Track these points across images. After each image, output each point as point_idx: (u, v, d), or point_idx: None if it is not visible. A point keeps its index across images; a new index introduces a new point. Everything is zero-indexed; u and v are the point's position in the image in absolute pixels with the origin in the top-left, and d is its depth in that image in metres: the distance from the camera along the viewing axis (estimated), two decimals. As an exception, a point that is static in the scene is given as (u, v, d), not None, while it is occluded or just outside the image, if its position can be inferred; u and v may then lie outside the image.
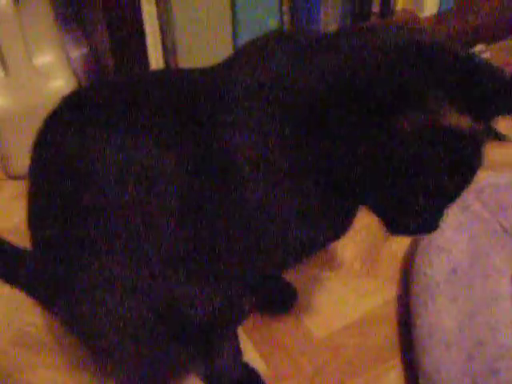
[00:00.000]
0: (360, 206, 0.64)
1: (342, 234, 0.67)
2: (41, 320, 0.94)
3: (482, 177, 0.92)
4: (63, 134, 0.64)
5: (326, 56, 0.56)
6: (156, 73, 0.74)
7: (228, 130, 0.57)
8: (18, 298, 0.95)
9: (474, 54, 0.57)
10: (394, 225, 0.63)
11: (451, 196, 0.60)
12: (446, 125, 0.52)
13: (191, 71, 0.66)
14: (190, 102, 0.60)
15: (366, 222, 1.04)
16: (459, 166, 0.56)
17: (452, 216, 0.87)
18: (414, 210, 0.59)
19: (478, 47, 1.45)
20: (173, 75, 0.68)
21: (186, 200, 0.58)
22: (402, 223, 0.62)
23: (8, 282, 0.97)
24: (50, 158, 0.65)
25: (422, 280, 0.86)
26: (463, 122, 0.52)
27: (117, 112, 0.61)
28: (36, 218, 0.70)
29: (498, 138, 0.68)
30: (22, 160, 1.13)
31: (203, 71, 0.64)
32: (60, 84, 1.10)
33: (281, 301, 0.93)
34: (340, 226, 0.66)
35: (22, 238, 1.00)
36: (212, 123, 0.58)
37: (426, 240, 0.91)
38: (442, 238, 0.88)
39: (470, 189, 0.90)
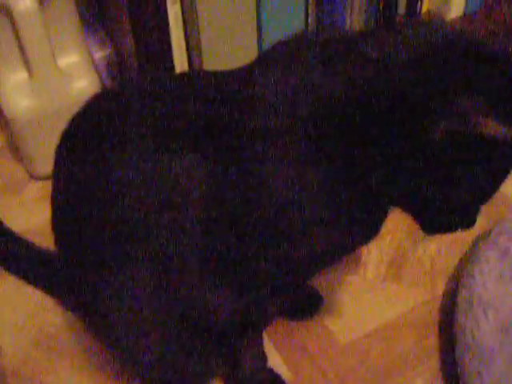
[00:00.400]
0: (391, 207, 0.63)
1: (372, 239, 0.66)
2: (61, 321, 0.94)
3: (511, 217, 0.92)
4: (88, 139, 0.63)
5: (355, 62, 0.55)
6: (182, 76, 0.73)
7: (256, 139, 0.56)
8: (39, 300, 0.96)
9: None
10: (428, 223, 0.62)
11: (485, 193, 0.59)
12: (482, 134, 0.50)
13: (217, 75, 0.65)
14: (217, 110, 0.59)
15: (390, 227, 1.04)
16: (492, 168, 0.55)
17: (491, 264, 0.86)
18: (448, 207, 0.58)
19: (506, 49, 1.43)
20: (198, 80, 0.67)
21: (213, 208, 0.58)
22: (437, 221, 0.61)
23: (30, 283, 0.97)
24: (74, 163, 0.64)
25: (470, 344, 0.81)
26: (501, 130, 0.50)
27: (143, 120, 0.60)
28: (61, 223, 0.70)
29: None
30: (45, 161, 1.14)
31: (230, 75, 0.63)
32: (84, 85, 1.10)
33: (306, 306, 0.92)
34: (370, 230, 0.65)
35: (45, 239, 1.00)
36: (240, 133, 0.57)
37: (466, 292, 0.86)
38: (485, 292, 0.83)
39: (503, 229, 0.89)
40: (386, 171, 0.55)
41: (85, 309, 0.70)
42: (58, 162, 0.69)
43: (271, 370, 0.83)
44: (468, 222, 0.62)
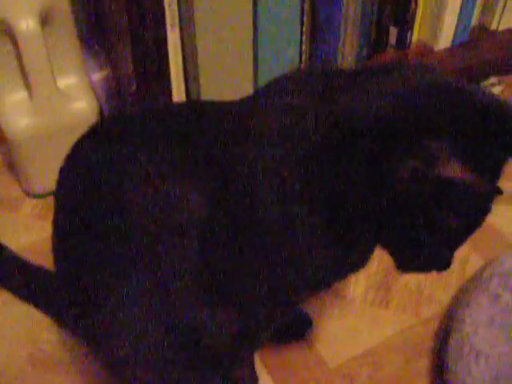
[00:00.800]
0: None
1: (361, 268, 0.69)
2: (56, 338, 0.95)
3: (503, 257, 0.95)
4: (90, 161, 0.65)
5: (338, 100, 0.58)
6: (181, 105, 0.75)
7: (249, 162, 0.59)
8: (35, 316, 0.97)
9: (491, 96, 0.57)
10: (402, 263, 0.64)
11: (457, 239, 0.61)
12: (444, 176, 0.52)
13: (216, 107, 0.68)
14: (214, 135, 0.62)
15: (378, 253, 1.07)
16: (464, 215, 0.57)
17: (482, 309, 0.87)
18: (420, 248, 0.60)
19: (491, 80, 1.48)
20: (196, 108, 0.70)
21: (207, 229, 0.60)
22: (410, 262, 0.63)
23: (25, 300, 0.99)
24: (77, 183, 0.66)
25: None
26: (465, 174, 0.52)
27: (144, 142, 0.63)
28: (61, 241, 0.72)
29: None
30: (42, 179, 1.16)
31: (229, 108, 0.66)
32: (82, 106, 1.12)
33: (296, 329, 0.94)
34: (357, 261, 0.67)
35: (39, 257, 1.02)
36: (234, 156, 0.60)
37: (458, 337, 0.87)
38: (476, 338, 0.85)
39: (495, 272, 0.92)
40: (357, 208, 0.57)
41: (82, 325, 0.71)
42: (60, 185, 0.71)
43: (262, 391, 0.85)
44: (442, 265, 0.64)
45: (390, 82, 0.57)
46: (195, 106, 0.73)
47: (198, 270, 0.62)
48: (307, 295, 0.73)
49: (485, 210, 0.59)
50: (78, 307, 0.70)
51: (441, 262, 0.64)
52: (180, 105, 0.79)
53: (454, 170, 0.52)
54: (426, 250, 0.60)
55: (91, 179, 0.64)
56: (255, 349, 0.78)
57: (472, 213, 0.58)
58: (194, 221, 0.60)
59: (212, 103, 0.69)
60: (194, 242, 0.60)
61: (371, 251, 0.67)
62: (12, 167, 1.23)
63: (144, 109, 0.73)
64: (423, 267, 0.64)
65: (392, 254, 0.64)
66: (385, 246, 0.64)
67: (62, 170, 0.71)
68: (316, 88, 0.61)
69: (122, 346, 0.68)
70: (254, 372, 0.83)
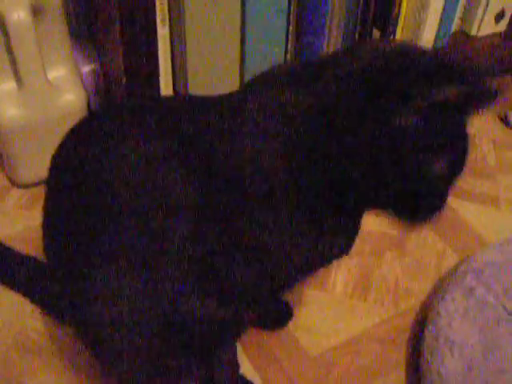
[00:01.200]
0: (364, 212, 0.69)
1: (346, 251, 0.71)
2: (42, 325, 0.96)
3: (477, 254, 0.99)
4: (82, 148, 0.67)
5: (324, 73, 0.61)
6: (170, 98, 0.78)
7: (238, 144, 0.62)
8: (20, 303, 0.98)
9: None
10: (402, 213, 0.66)
11: (449, 178, 0.65)
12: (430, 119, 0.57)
13: (206, 100, 0.70)
14: (204, 124, 0.64)
15: (358, 249, 1.10)
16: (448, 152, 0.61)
17: (456, 302, 0.91)
18: (418, 196, 0.63)
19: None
20: (185, 101, 0.72)
21: (200, 219, 0.62)
22: (412, 212, 0.65)
23: (11, 288, 1.00)
24: (68, 169, 0.68)
25: (435, 381, 0.86)
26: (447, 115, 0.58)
27: (134, 131, 0.65)
28: (50, 228, 0.73)
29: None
30: (28, 169, 1.17)
31: (216, 99, 0.69)
32: (71, 98, 1.13)
33: (277, 318, 0.97)
34: (344, 239, 0.70)
35: (25, 246, 1.03)
36: (223, 142, 0.62)
37: (432, 328, 0.91)
38: (451, 330, 0.88)
39: (469, 268, 0.96)
40: (351, 165, 0.60)
41: (71, 310, 0.72)
42: (52, 172, 0.73)
43: (243, 377, 0.87)
44: (435, 208, 0.66)
45: (364, 49, 0.62)
46: (184, 99, 0.75)
47: (188, 256, 0.64)
48: (296, 280, 0.75)
49: (466, 150, 0.63)
50: (67, 293, 0.72)
51: (437, 204, 0.66)
52: (170, 98, 0.81)
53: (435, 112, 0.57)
54: (423, 197, 0.63)
55: (82, 166, 0.66)
56: (239, 333, 0.80)
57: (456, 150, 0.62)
58: (183, 207, 0.62)
59: (198, 97, 0.72)
60: (185, 227, 0.62)
61: (356, 232, 0.70)
62: (-2, 157, 1.24)
63: (135, 101, 0.75)
64: (422, 213, 0.65)
65: (395, 211, 0.66)
66: (380, 205, 0.66)
67: (54, 157, 0.73)
68: (300, 74, 0.64)
69: (111, 334, 0.69)
70: (236, 358, 0.86)
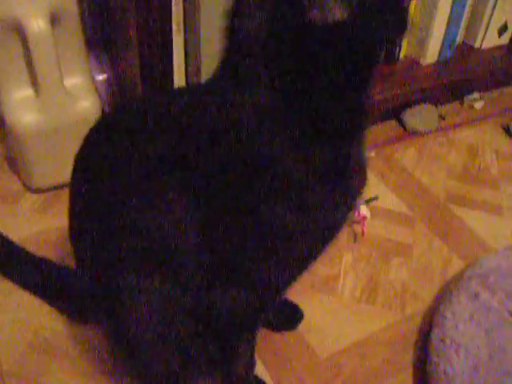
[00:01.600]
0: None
1: (353, 204, 0.71)
2: (56, 325, 0.98)
3: (482, 260, 1.02)
4: (103, 148, 0.69)
5: None
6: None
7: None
8: (36, 304, 1.01)
9: None
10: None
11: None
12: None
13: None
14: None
15: (365, 253, 1.13)
16: None
17: (462, 306, 0.94)
18: None
19: (474, 95, 1.55)
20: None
21: (206, 217, 0.64)
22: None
23: (28, 289, 1.02)
24: (91, 171, 0.70)
25: (443, 381, 0.88)
26: None
27: (148, 127, 0.67)
28: (77, 228, 0.74)
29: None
30: (43, 174, 1.20)
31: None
32: (86, 105, 1.16)
33: (289, 321, 1.00)
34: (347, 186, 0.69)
35: (39, 249, 1.06)
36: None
37: (439, 331, 0.94)
38: (457, 332, 0.91)
39: (474, 273, 0.99)
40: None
41: (98, 310, 0.75)
42: (75, 175, 0.74)
43: (257, 377, 0.90)
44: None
45: None
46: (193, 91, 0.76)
47: (202, 253, 0.66)
48: (311, 259, 0.75)
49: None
50: (97, 295, 0.73)
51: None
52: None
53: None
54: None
55: (103, 167, 0.68)
56: (257, 329, 0.82)
57: None
58: (194, 206, 0.64)
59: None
60: (196, 228, 0.64)
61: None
62: (12, 162, 1.27)
63: (151, 98, 0.76)
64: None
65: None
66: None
67: (76, 160, 0.74)
68: None
69: (140, 332, 0.72)
70: (254, 357, 0.88)
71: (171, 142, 0.65)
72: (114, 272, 0.69)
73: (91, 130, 0.73)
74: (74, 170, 0.74)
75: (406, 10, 0.64)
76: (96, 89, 1.21)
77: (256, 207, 0.64)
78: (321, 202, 0.66)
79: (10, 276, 1.04)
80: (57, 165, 1.19)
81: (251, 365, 0.87)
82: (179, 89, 0.82)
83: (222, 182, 0.64)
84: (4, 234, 1.07)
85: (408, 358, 0.97)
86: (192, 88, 0.76)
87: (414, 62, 1.47)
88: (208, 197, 0.64)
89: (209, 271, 0.67)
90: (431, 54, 1.45)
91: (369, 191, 0.77)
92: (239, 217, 0.65)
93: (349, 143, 0.66)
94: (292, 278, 0.74)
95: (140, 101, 0.78)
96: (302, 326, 1.00)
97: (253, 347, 0.84)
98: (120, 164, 0.67)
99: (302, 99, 0.61)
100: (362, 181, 0.71)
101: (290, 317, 1.01)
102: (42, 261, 1.03)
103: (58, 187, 1.23)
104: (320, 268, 1.08)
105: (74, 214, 0.74)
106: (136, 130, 0.68)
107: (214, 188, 0.64)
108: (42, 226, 1.16)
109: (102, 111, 1.20)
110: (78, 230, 0.73)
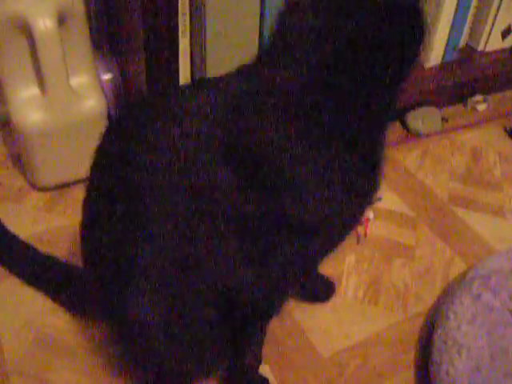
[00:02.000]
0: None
1: (374, 190, 0.76)
2: (61, 322, 0.99)
3: (485, 261, 1.03)
4: (121, 143, 0.68)
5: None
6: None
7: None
8: (41, 301, 1.01)
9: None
10: None
11: None
12: None
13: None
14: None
15: (368, 254, 1.14)
16: None
17: (464, 307, 0.94)
18: None
19: (477, 97, 1.56)
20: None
21: (244, 201, 0.65)
22: None
23: (34, 285, 1.03)
24: (109, 162, 0.69)
25: (445, 381, 0.89)
26: None
27: (172, 119, 0.67)
28: (90, 227, 0.74)
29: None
30: (48, 172, 1.20)
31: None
32: (92, 104, 1.16)
33: (321, 293, 1.06)
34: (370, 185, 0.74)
35: (44, 247, 1.07)
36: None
37: (442, 332, 0.94)
38: (459, 333, 0.91)
39: (476, 274, 1.00)
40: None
41: (109, 309, 0.74)
42: (94, 167, 0.73)
43: (261, 375, 0.91)
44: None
45: None
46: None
47: (235, 229, 0.66)
48: (333, 245, 0.76)
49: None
50: (107, 294, 0.73)
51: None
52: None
53: None
54: None
55: (122, 159, 0.67)
56: (275, 313, 0.81)
57: None
58: (229, 190, 0.64)
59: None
60: (232, 206, 0.64)
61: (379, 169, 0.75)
62: (17, 160, 1.28)
63: (168, 91, 0.76)
64: None
65: None
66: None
67: (96, 152, 0.73)
68: None
69: (153, 332, 0.71)
70: (260, 354, 0.88)
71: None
72: (125, 276, 0.68)
73: (110, 123, 0.73)
74: (94, 164, 0.73)
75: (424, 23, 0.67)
76: (102, 88, 1.22)
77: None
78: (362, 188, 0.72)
79: (16, 272, 1.04)
80: (62, 163, 1.20)
81: (258, 360, 0.88)
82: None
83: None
84: (9, 229, 1.08)
85: (410, 358, 0.98)
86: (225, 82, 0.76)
87: (417, 65, 1.47)
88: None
89: (240, 246, 0.67)
90: (435, 56, 1.46)
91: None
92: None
93: (379, 144, 0.72)
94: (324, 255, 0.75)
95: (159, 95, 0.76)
96: (305, 326, 1.01)
97: (262, 339, 0.85)
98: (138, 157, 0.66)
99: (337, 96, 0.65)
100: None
101: (323, 289, 1.06)
102: (49, 258, 1.03)
103: (63, 186, 1.24)
104: (323, 269, 1.09)
105: (89, 211, 0.74)
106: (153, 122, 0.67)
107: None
108: (46, 225, 1.16)
109: (108, 111, 1.21)
110: (90, 228, 0.73)
